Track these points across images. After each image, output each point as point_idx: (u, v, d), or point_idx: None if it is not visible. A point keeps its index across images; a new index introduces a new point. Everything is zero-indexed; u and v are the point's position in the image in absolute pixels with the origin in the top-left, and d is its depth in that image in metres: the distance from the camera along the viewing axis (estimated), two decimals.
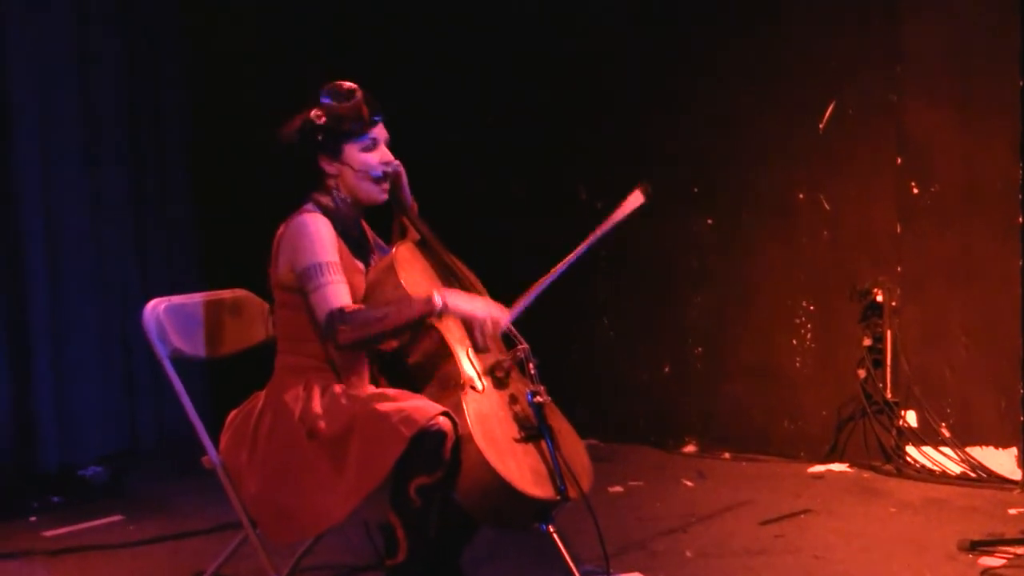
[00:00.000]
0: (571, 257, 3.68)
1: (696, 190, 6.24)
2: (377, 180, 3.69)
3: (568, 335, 6.54)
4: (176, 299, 3.90)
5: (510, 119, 6.67)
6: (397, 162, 3.80)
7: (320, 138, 3.64)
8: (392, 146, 3.75)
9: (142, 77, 6.44)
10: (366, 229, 3.88)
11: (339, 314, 3.46)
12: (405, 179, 3.87)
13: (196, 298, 3.97)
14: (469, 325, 3.54)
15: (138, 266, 6.41)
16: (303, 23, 6.88)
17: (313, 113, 3.65)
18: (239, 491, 3.66)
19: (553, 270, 3.67)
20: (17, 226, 5.79)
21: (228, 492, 3.69)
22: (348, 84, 3.68)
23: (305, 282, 3.54)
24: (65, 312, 6.00)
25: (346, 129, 3.64)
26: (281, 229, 3.66)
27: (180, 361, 3.87)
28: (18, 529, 5.11)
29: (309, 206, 3.67)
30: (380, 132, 3.71)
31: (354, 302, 3.57)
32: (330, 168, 3.67)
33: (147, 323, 3.80)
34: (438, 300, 3.47)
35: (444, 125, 6.69)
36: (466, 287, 3.81)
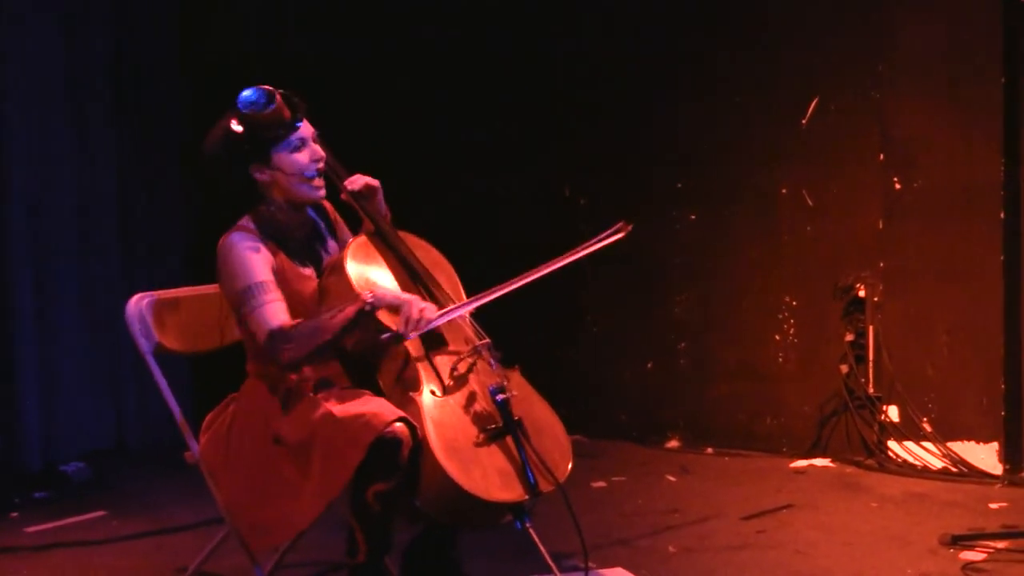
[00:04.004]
0: (536, 274, 3.62)
1: (679, 186, 6.25)
2: (311, 179, 3.63)
3: (552, 331, 6.55)
4: (159, 294, 3.90)
5: (495, 116, 6.67)
6: (374, 181, 3.78)
7: (247, 148, 3.58)
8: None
9: (131, 73, 6.42)
10: (332, 217, 3.86)
11: (279, 333, 3.44)
12: (378, 191, 3.84)
13: (179, 293, 3.97)
14: (397, 314, 3.46)
15: (124, 263, 6.39)
16: (297, 19, 6.86)
17: (233, 124, 3.57)
18: (218, 493, 3.67)
19: (509, 284, 3.61)
20: (2, 223, 5.77)
21: (211, 488, 3.70)
22: (264, 88, 3.59)
23: (240, 306, 3.52)
24: (50, 308, 5.98)
25: (271, 136, 3.57)
26: (217, 248, 3.62)
27: (163, 356, 3.86)
28: (0, 526, 5.10)
29: (243, 221, 3.63)
30: (306, 130, 3.64)
31: (303, 310, 3.54)
32: (262, 176, 3.61)
33: (130, 318, 3.80)
34: (368, 295, 3.45)
35: (431, 123, 6.69)
36: (421, 275, 3.75)
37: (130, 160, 6.42)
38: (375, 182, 3.84)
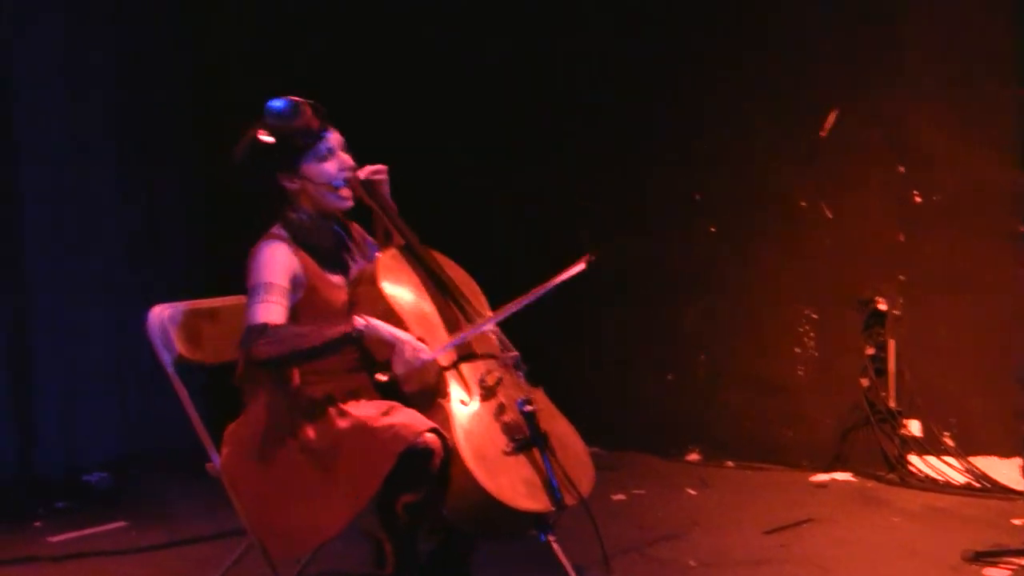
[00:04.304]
0: (506, 311, 3.65)
1: (699, 197, 6.24)
2: (338, 188, 3.66)
3: (571, 343, 6.54)
4: (181, 305, 3.91)
5: (509, 123, 6.66)
6: (382, 167, 3.79)
7: (276, 157, 3.61)
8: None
9: (143, 79, 6.43)
10: (354, 231, 3.87)
11: (260, 328, 3.44)
12: (386, 182, 3.85)
13: (200, 304, 3.98)
14: (390, 350, 3.48)
15: (142, 270, 6.41)
16: (304, 24, 6.87)
17: (261, 134, 3.62)
18: (240, 503, 3.67)
19: (488, 316, 3.68)
20: (20, 229, 5.80)
21: (232, 500, 3.70)
22: (292, 99, 3.63)
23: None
24: (69, 317, 6.00)
25: (299, 144, 3.61)
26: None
27: (184, 367, 3.88)
28: (23, 535, 5.12)
29: (275, 229, 3.65)
30: (334, 139, 3.68)
31: (333, 316, 3.54)
32: (291, 185, 3.65)
33: (152, 328, 3.81)
34: (360, 323, 3.45)
35: (445, 133, 6.69)
36: (451, 290, 3.79)
37: (137, 163, 6.43)
38: (381, 167, 3.85)
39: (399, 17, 6.78)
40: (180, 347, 3.85)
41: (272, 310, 3.48)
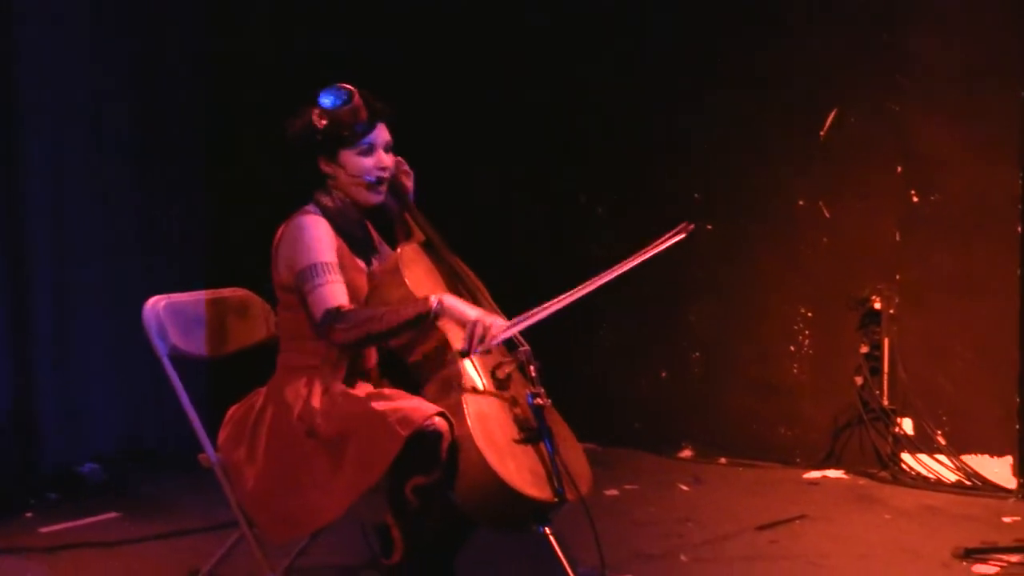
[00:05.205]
0: (591, 285, 3.67)
1: (697, 196, 6.24)
2: (370, 185, 3.69)
3: (567, 340, 6.53)
4: (176, 297, 3.91)
5: (510, 122, 6.66)
6: (403, 165, 3.82)
7: (318, 139, 3.65)
8: (404, 150, 3.76)
9: (154, 72, 6.41)
10: (371, 230, 3.89)
11: (336, 313, 3.47)
12: (409, 175, 3.88)
13: (196, 296, 3.98)
14: (462, 329, 3.51)
15: (143, 263, 6.39)
16: (321, 19, 6.85)
17: (315, 113, 3.66)
18: (236, 488, 3.67)
19: (570, 294, 3.64)
20: (23, 221, 5.78)
21: (225, 490, 3.70)
22: (346, 87, 3.67)
23: (303, 283, 3.55)
24: (68, 308, 5.98)
25: (342, 133, 3.64)
26: (280, 230, 3.68)
27: (179, 359, 3.87)
28: (15, 526, 5.11)
29: (309, 207, 3.69)
30: (379, 136, 3.70)
31: (356, 301, 3.58)
32: (327, 169, 3.69)
33: (147, 320, 3.81)
34: (434, 301, 3.47)
35: (445, 127, 6.68)
36: (470, 288, 3.81)
37: (151, 159, 6.40)
38: (401, 160, 3.86)
39: (416, 21, 6.77)
40: (175, 339, 3.85)
41: (338, 291, 3.53)
